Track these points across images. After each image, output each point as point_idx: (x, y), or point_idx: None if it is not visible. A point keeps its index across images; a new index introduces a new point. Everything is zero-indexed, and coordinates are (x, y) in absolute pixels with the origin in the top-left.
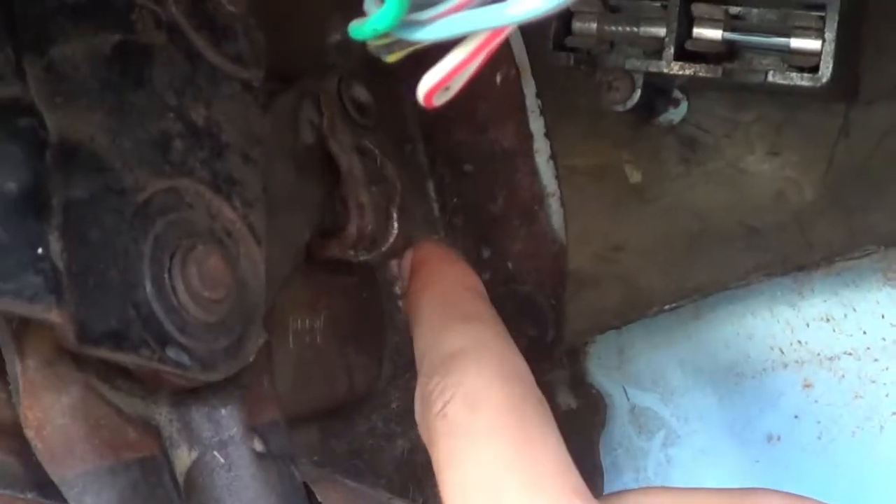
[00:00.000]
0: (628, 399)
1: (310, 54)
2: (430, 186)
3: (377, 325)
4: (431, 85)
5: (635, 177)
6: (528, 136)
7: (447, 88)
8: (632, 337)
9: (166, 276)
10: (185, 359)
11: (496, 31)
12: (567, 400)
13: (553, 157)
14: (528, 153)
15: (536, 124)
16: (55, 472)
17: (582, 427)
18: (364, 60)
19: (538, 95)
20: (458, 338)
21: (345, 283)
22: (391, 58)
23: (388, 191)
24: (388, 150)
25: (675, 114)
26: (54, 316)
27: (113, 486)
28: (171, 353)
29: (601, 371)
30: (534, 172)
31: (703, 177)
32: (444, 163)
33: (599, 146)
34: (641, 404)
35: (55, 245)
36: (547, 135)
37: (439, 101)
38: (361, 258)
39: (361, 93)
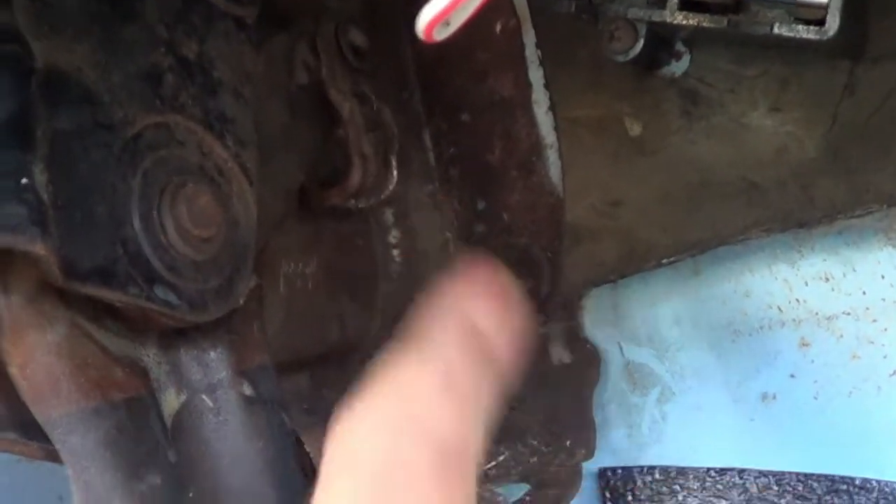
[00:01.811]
0: (623, 354)
1: None
2: (427, 135)
3: (371, 273)
4: (431, 17)
5: (635, 129)
6: (527, 87)
7: (447, 23)
8: (628, 292)
9: (155, 212)
10: (172, 298)
11: None
12: (561, 354)
13: (552, 108)
14: (527, 104)
15: (536, 74)
16: (39, 412)
17: (575, 382)
18: (360, 4)
19: (538, 45)
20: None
21: (338, 229)
22: None
23: (387, 138)
24: (386, 97)
25: (678, 66)
26: (39, 248)
27: (98, 427)
28: (159, 291)
29: (596, 326)
30: (532, 123)
31: (704, 131)
32: (442, 112)
33: (599, 98)
34: (636, 360)
35: (40, 176)
36: (546, 86)
37: (439, 35)
38: (360, 206)
39: (359, 37)
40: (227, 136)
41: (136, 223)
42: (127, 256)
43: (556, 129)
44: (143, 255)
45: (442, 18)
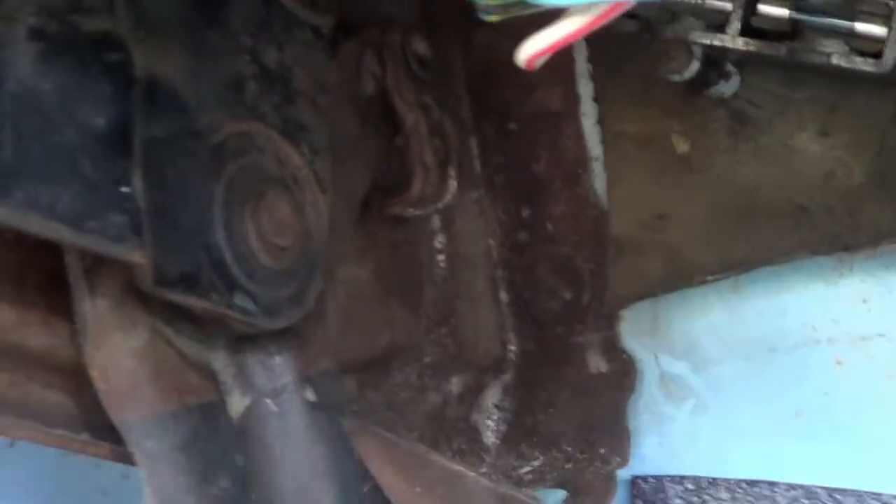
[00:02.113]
0: (659, 366)
1: (369, 4)
2: (474, 143)
3: (418, 278)
4: (537, 50)
5: (683, 147)
6: (576, 99)
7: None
8: (667, 305)
9: (237, 220)
10: (250, 305)
11: (616, 6)
12: (598, 363)
13: (600, 121)
14: (575, 116)
15: (585, 88)
16: (117, 415)
17: (611, 391)
18: (416, 13)
19: (589, 60)
20: None
21: (391, 235)
22: (494, 17)
23: (447, 148)
24: (445, 106)
25: (728, 87)
26: (137, 257)
27: (176, 431)
28: (238, 299)
29: (634, 336)
30: (579, 135)
31: (751, 152)
32: (489, 120)
33: (648, 114)
34: (672, 371)
35: (138, 184)
36: (595, 99)
37: (538, 64)
38: (417, 213)
39: (422, 46)
40: (302, 145)
41: (220, 230)
42: (210, 264)
43: (603, 142)
44: (225, 263)
45: (549, 52)
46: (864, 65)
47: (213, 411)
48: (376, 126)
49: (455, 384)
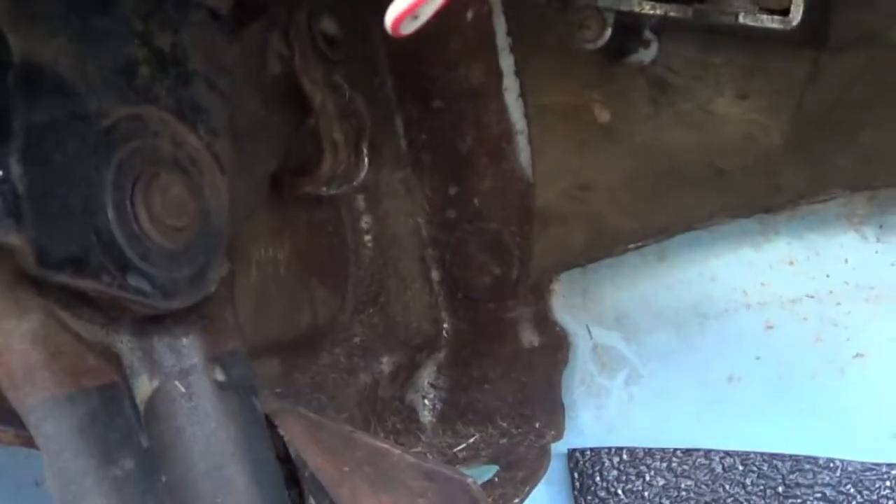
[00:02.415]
0: (591, 337)
1: None
2: (398, 122)
3: (341, 258)
4: (399, 12)
5: (604, 117)
6: (498, 74)
7: (415, 17)
8: (597, 277)
9: (128, 202)
10: (145, 286)
11: None
12: (530, 337)
13: (522, 95)
14: (498, 91)
15: (506, 62)
16: (15, 398)
17: (544, 364)
18: None
19: (509, 33)
20: None
21: (310, 215)
22: None
23: (358, 126)
24: (357, 85)
25: (646, 55)
26: (14, 239)
27: (73, 414)
28: (132, 280)
29: (565, 309)
30: (503, 110)
31: (672, 118)
32: (413, 99)
33: (569, 85)
34: (605, 343)
35: (16, 168)
36: (517, 73)
37: (407, 29)
38: (331, 193)
39: (331, 26)
40: (199, 126)
41: (110, 212)
42: (100, 245)
43: (527, 115)
44: (117, 245)
45: (409, 13)
46: (770, 22)
47: (113, 393)
48: (283, 106)
49: (386, 364)
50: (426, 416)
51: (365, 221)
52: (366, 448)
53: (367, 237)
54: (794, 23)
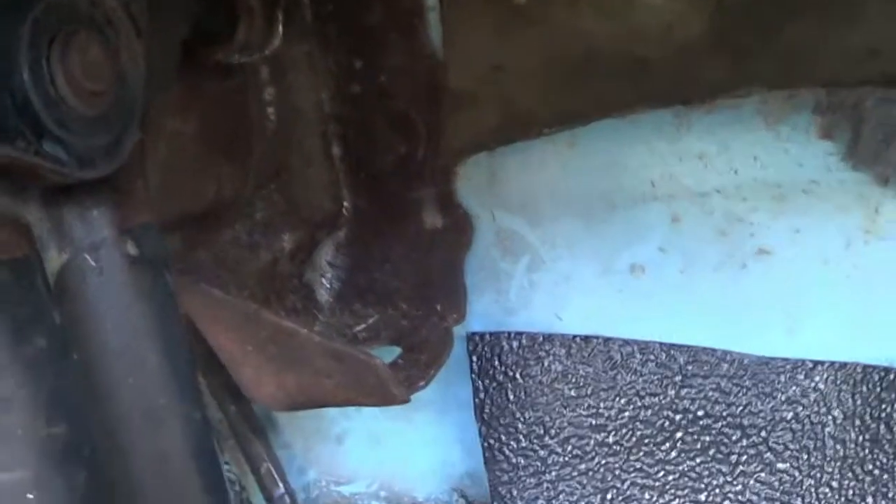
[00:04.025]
0: (495, 221)
1: None
2: None
3: (247, 131)
4: None
5: None
6: None
7: None
8: (504, 160)
9: (44, 62)
10: (61, 153)
11: None
12: (434, 219)
13: None
14: None
15: None
16: None
17: (447, 247)
18: None
19: None
20: None
21: (217, 86)
22: None
23: None
24: None
25: None
26: None
27: None
28: (48, 146)
29: (471, 192)
30: None
31: (591, 4)
32: None
33: None
34: (508, 227)
35: None
36: None
37: None
38: (242, 60)
39: None
40: None
41: (25, 73)
42: (15, 108)
43: None
44: (32, 108)
45: None
46: None
47: (24, 267)
48: None
49: (287, 241)
50: (324, 296)
51: (268, 93)
52: (271, 327)
53: (270, 109)
54: None
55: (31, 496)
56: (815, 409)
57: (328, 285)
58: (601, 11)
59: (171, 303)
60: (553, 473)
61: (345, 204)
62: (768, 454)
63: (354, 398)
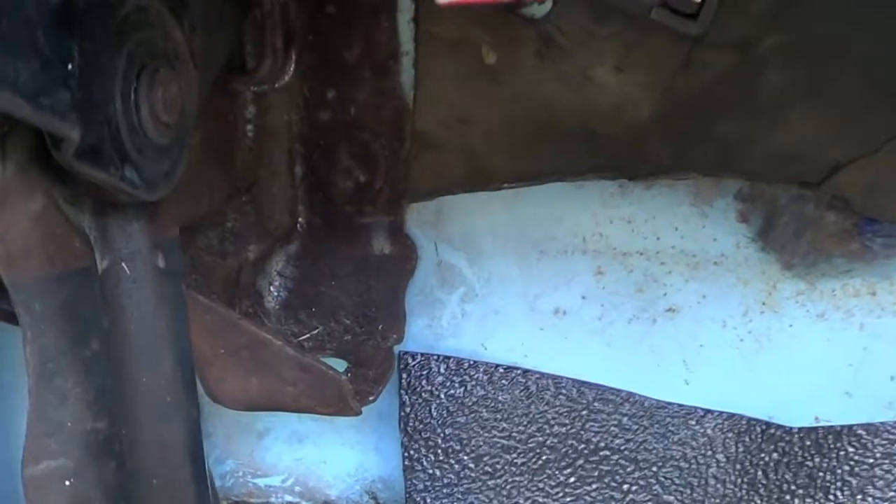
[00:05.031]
0: (438, 254)
1: None
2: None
3: (233, 145)
4: None
5: (490, 58)
6: None
7: None
8: (452, 200)
9: (132, 95)
10: (136, 178)
11: None
12: (382, 245)
13: (415, 19)
14: (392, 10)
15: None
16: (9, 276)
17: (392, 272)
18: None
19: None
20: None
21: (219, 105)
22: None
23: (290, 31)
24: None
25: (539, 10)
26: (74, 133)
27: (59, 294)
28: (128, 172)
29: (418, 225)
30: (394, 29)
31: (554, 74)
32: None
33: (462, 21)
34: (449, 261)
35: (77, 60)
36: None
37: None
38: (254, 89)
39: None
40: (184, 21)
41: (118, 104)
42: (110, 137)
43: (416, 40)
44: (120, 137)
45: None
46: (682, 26)
47: (89, 275)
48: (237, 4)
49: (252, 251)
50: (270, 303)
51: (249, 112)
52: (248, 335)
53: (249, 127)
54: (700, 31)
55: (68, 483)
56: (702, 451)
57: (276, 293)
58: (562, 82)
59: (185, 312)
60: (465, 486)
61: (300, 220)
62: (657, 486)
63: (312, 407)
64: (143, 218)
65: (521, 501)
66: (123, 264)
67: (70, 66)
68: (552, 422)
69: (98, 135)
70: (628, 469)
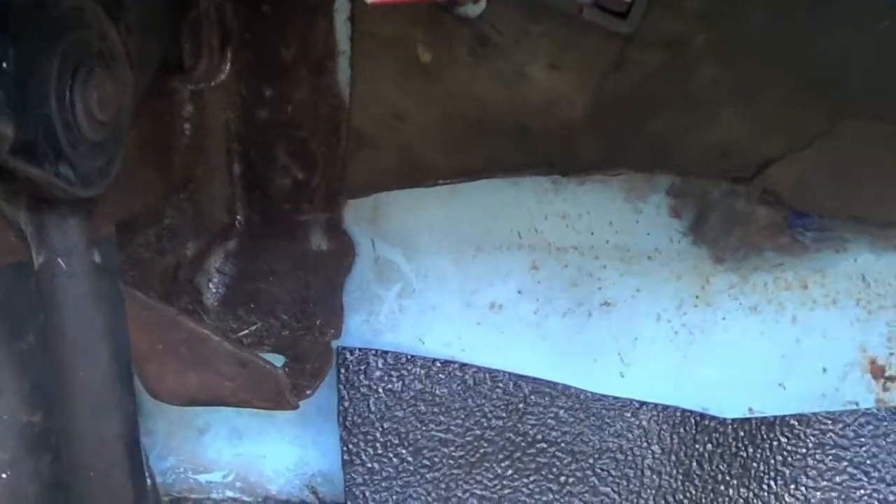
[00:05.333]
0: (375, 250)
1: None
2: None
3: (170, 144)
4: None
5: (425, 57)
6: None
7: None
8: (389, 197)
9: (68, 93)
10: (71, 175)
11: None
12: (320, 241)
13: (352, 19)
14: (329, 9)
15: None
16: None
17: (329, 268)
18: None
19: None
20: None
21: (155, 105)
22: None
23: (226, 30)
24: None
25: (474, 9)
26: (9, 131)
27: None
28: (63, 168)
29: (355, 222)
30: (330, 29)
31: (488, 72)
32: None
33: (397, 20)
34: (386, 257)
35: (10, 58)
36: None
37: None
38: (191, 87)
39: None
40: (120, 23)
41: (53, 103)
42: (44, 134)
43: (352, 39)
44: (55, 134)
45: None
46: (613, 25)
47: (24, 270)
48: (171, 4)
49: (190, 248)
50: (209, 299)
51: (187, 110)
52: (187, 332)
53: (186, 125)
54: (630, 29)
55: (4, 476)
56: (638, 443)
57: (214, 290)
58: (496, 80)
59: (122, 308)
60: (403, 480)
61: (238, 217)
62: (593, 478)
63: (249, 401)
64: (80, 214)
65: (460, 494)
66: (59, 260)
67: (5, 65)
68: (489, 415)
69: (33, 132)
70: (565, 461)
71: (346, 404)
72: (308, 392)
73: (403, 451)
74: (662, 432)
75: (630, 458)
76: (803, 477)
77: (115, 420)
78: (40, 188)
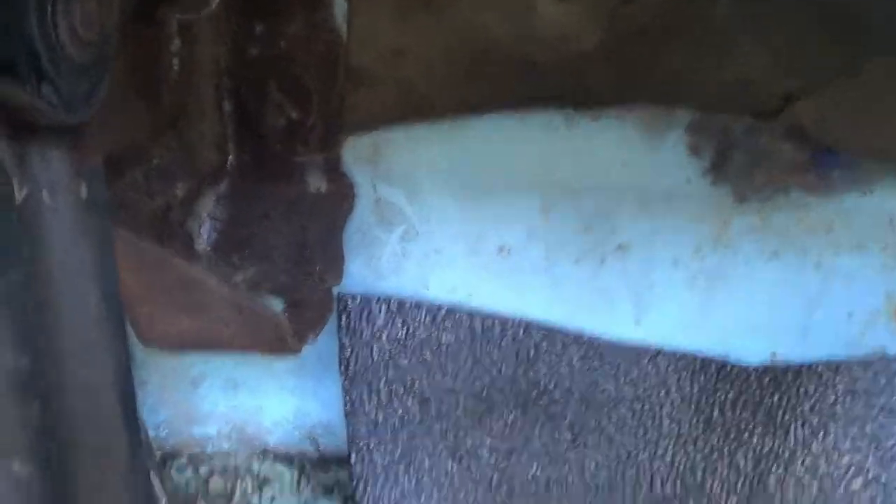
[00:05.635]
0: (376, 191)
1: None
2: None
3: (159, 77)
4: None
5: None
6: None
7: None
8: (390, 135)
9: (50, 10)
10: (54, 98)
11: None
12: (318, 183)
13: None
14: None
15: None
16: None
17: (328, 211)
18: None
19: None
20: None
21: (141, 35)
22: None
23: None
24: None
25: None
26: None
27: None
28: (46, 90)
29: (355, 161)
30: None
31: (492, 3)
32: None
33: None
34: (387, 198)
35: None
36: None
37: None
38: (178, 17)
39: None
40: None
41: (33, 20)
42: (25, 53)
43: None
44: (37, 52)
45: None
46: None
47: (6, 204)
48: None
49: (180, 189)
50: (201, 244)
51: (174, 45)
52: (182, 273)
53: (175, 60)
54: None
55: None
56: (655, 391)
57: (206, 235)
58: (502, 11)
59: (111, 246)
60: (409, 430)
61: (230, 158)
62: (609, 427)
63: (248, 346)
64: (64, 144)
65: (469, 445)
66: (43, 193)
67: None
68: (499, 363)
69: (13, 50)
70: (579, 410)
71: (348, 353)
72: (311, 336)
73: (409, 401)
74: (682, 380)
75: (647, 406)
76: (832, 424)
77: (107, 366)
78: (22, 112)
